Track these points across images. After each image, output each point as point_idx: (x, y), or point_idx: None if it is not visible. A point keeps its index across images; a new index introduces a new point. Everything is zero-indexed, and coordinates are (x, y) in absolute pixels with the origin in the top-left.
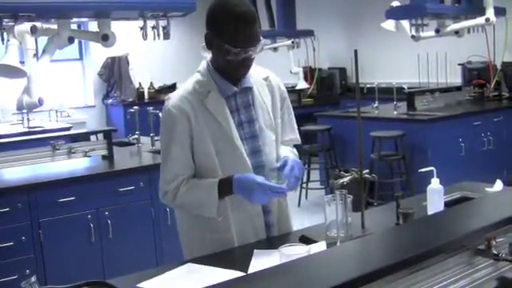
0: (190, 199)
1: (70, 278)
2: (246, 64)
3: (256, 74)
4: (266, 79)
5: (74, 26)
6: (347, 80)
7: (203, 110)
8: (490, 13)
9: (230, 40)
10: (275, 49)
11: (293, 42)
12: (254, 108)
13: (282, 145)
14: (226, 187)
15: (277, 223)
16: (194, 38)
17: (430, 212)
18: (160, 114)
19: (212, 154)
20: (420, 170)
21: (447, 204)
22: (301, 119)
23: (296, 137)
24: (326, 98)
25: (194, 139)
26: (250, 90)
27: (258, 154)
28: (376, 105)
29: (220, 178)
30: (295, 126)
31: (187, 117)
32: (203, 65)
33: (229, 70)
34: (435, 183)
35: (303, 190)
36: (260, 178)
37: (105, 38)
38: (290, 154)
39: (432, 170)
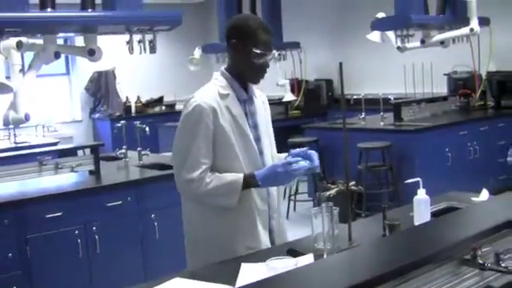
0: (216, 189)
1: None
2: (265, 68)
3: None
4: (260, 96)
5: (60, 41)
6: (334, 91)
7: (225, 108)
8: (475, 23)
9: (257, 43)
10: None
11: (279, 54)
12: (257, 116)
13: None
14: (250, 181)
15: (277, 231)
16: (180, 52)
17: (416, 223)
18: (147, 129)
19: (234, 147)
20: (406, 181)
21: (434, 214)
22: (288, 131)
23: (274, 150)
24: (313, 109)
25: (216, 133)
26: (252, 99)
27: (261, 155)
28: (363, 116)
29: (244, 173)
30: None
31: (215, 112)
32: (219, 74)
33: (250, 72)
34: (421, 194)
35: (291, 202)
36: (278, 163)
37: (91, 53)
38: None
39: (418, 181)
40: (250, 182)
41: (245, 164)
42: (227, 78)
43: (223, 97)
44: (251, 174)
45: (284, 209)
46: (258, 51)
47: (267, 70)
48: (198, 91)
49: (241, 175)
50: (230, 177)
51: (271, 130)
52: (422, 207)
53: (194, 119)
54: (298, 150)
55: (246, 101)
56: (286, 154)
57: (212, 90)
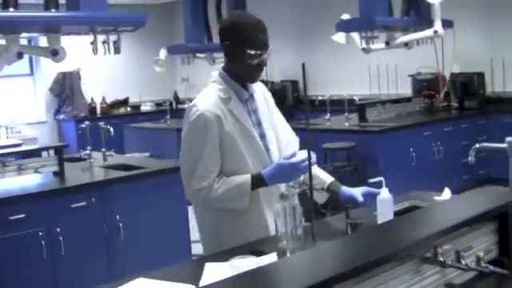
0: (225, 194)
1: None
2: (262, 67)
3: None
4: (259, 88)
5: (24, 41)
6: (299, 92)
7: (229, 113)
8: (438, 25)
9: (251, 44)
10: None
11: None
12: (259, 112)
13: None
14: (258, 182)
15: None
16: (146, 53)
17: (379, 221)
18: (112, 130)
19: (241, 151)
20: (370, 181)
21: (397, 213)
22: None
23: (290, 129)
24: (280, 110)
25: (222, 139)
26: (253, 96)
27: (267, 152)
28: (328, 117)
29: (251, 174)
30: (285, 121)
31: (219, 120)
32: (217, 75)
33: (247, 73)
34: (384, 193)
35: None
36: (284, 161)
37: (54, 53)
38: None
39: (381, 180)
40: (257, 182)
41: (252, 164)
42: (225, 79)
43: (225, 101)
44: (258, 174)
45: None
46: (253, 52)
47: (264, 67)
48: (198, 97)
49: (248, 176)
50: (237, 179)
51: (277, 116)
52: (384, 206)
53: (199, 129)
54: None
55: (248, 99)
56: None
57: (213, 96)
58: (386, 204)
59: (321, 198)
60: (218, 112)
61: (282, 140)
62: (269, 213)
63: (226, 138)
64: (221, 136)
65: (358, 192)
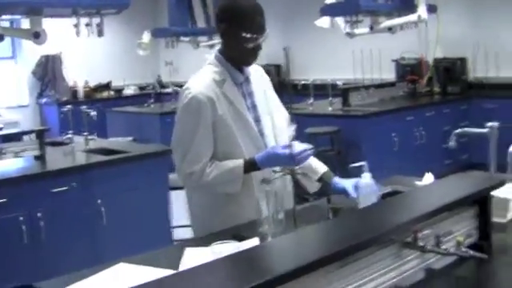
0: (217, 178)
1: (2, 283)
2: (257, 51)
3: (249, 67)
4: (256, 71)
5: (6, 24)
6: (283, 76)
7: (222, 96)
8: (422, 10)
9: (247, 28)
10: (211, 46)
11: None
12: (255, 95)
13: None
14: (250, 166)
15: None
16: (129, 36)
17: (361, 206)
18: (93, 113)
19: (234, 134)
20: (351, 165)
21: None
22: None
23: (286, 113)
24: None
25: (215, 122)
26: (249, 79)
27: (262, 136)
28: (311, 101)
29: (243, 158)
30: (281, 105)
31: (212, 102)
32: (212, 57)
33: (242, 56)
34: (366, 177)
35: None
36: (280, 150)
37: (36, 36)
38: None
39: (363, 165)
40: (250, 167)
41: (246, 148)
42: (221, 61)
43: (219, 83)
44: (251, 159)
45: None
46: (249, 35)
47: (260, 51)
48: (192, 79)
49: (241, 160)
50: (230, 164)
51: (274, 99)
52: (366, 191)
53: (192, 112)
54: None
55: (243, 82)
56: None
57: (207, 78)
58: (367, 189)
59: (312, 187)
60: (212, 95)
61: (277, 125)
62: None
63: (219, 122)
64: (214, 119)
65: (349, 184)
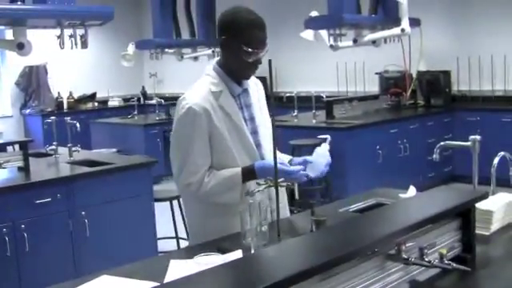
0: (216, 187)
1: None
2: (257, 65)
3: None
4: (256, 84)
5: None
6: (266, 89)
7: (219, 108)
8: (405, 23)
9: (247, 42)
10: (196, 58)
11: (213, 52)
12: (253, 107)
13: None
14: (249, 175)
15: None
16: (114, 48)
17: (310, 173)
18: (78, 124)
19: (229, 147)
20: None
21: (362, 210)
22: None
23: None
24: None
25: (211, 134)
26: (247, 91)
27: (258, 148)
28: (295, 113)
29: (241, 167)
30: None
31: (208, 114)
32: (211, 68)
33: (241, 69)
34: (323, 148)
35: None
36: (280, 166)
37: (20, 47)
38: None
39: (327, 137)
40: (248, 175)
41: (241, 160)
42: (219, 72)
43: (216, 95)
44: (249, 167)
45: None
46: (249, 49)
47: (259, 65)
48: (188, 91)
49: (239, 169)
50: (227, 173)
51: (266, 113)
52: (318, 160)
53: (188, 123)
54: (300, 159)
55: (241, 94)
56: (288, 157)
57: (203, 89)
58: (320, 158)
59: (296, 193)
60: (208, 106)
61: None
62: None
63: (214, 133)
64: (210, 130)
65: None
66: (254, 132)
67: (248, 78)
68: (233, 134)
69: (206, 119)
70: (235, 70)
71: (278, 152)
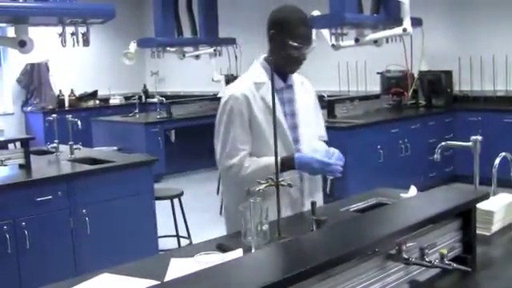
0: (254, 173)
1: None
2: (301, 60)
3: (295, 78)
4: (302, 83)
5: None
6: None
7: (260, 98)
8: (407, 23)
9: (294, 37)
10: (197, 56)
11: (215, 50)
12: (296, 103)
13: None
14: (287, 163)
15: (309, 194)
16: (115, 46)
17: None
18: (79, 122)
19: (266, 138)
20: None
21: (363, 210)
22: None
23: (324, 134)
24: None
25: (251, 121)
26: (292, 87)
27: (296, 143)
28: None
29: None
30: (323, 125)
31: (248, 101)
32: (258, 62)
33: (286, 64)
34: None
35: None
36: (318, 155)
37: (22, 44)
38: (325, 146)
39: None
40: (287, 164)
41: (278, 150)
42: (264, 66)
43: (258, 86)
44: (289, 157)
45: (218, 204)
46: (295, 44)
47: (303, 61)
48: (234, 82)
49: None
50: (267, 160)
51: (316, 115)
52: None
53: (228, 108)
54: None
55: (284, 89)
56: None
57: (247, 80)
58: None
59: (328, 187)
60: (248, 94)
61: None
62: (285, 195)
63: (254, 121)
64: (250, 117)
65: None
66: (294, 127)
67: (292, 72)
68: (271, 125)
69: (246, 106)
70: (281, 64)
71: (316, 141)
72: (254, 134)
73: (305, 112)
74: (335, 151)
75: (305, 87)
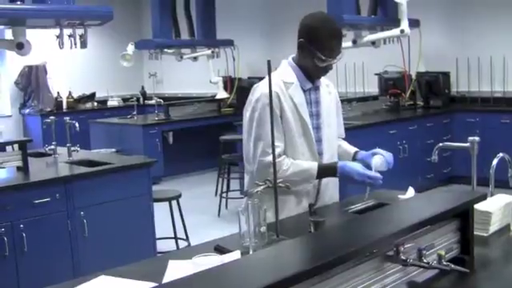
0: (293, 176)
1: None
2: (328, 69)
3: (321, 80)
4: (327, 86)
5: None
6: None
7: (288, 96)
8: (405, 24)
9: (323, 50)
10: (195, 58)
11: (212, 52)
12: (321, 105)
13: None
14: (329, 171)
15: (326, 190)
16: (113, 48)
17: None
18: (77, 124)
19: (294, 135)
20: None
21: (361, 211)
22: (220, 128)
23: (343, 132)
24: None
25: (281, 117)
26: (318, 89)
27: (319, 143)
28: None
29: (319, 163)
30: (342, 124)
31: (279, 99)
32: (286, 62)
33: (313, 71)
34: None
35: (223, 200)
36: (359, 167)
37: (19, 47)
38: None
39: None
40: (326, 171)
41: (302, 150)
42: (293, 67)
43: (287, 85)
44: (330, 164)
45: (216, 206)
46: (323, 57)
47: (330, 70)
48: (263, 80)
49: (316, 164)
50: (306, 164)
51: (336, 118)
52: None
53: (260, 106)
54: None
55: (311, 90)
56: (354, 149)
57: (276, 78)
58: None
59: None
60: (278, 91)
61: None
62: (304, 194)
63: (283, 117)
64: (280, 113)
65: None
66: (317, 127)
67: (318, 78)
68: (298, 124)
69: (277, 102)
70: (307, 70)
71: (346, 144)
72: (285, 129)
73: (328, 113)
74: (380, 159)
75: (329, 89)
